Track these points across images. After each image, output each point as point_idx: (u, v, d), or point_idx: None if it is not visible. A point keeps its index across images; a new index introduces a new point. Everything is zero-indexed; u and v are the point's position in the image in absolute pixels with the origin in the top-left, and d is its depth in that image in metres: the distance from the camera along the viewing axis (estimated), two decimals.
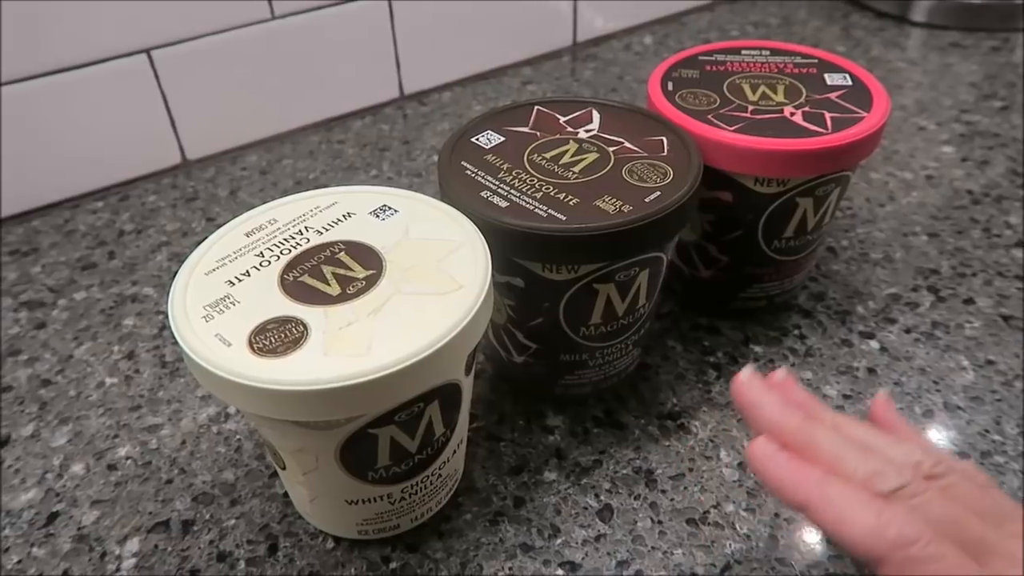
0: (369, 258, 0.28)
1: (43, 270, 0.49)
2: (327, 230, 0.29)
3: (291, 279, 0.27)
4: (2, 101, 0.49)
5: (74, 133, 0.53)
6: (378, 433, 0.26)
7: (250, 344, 0.24)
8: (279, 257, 0.28)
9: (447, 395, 0.28)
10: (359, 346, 0.24)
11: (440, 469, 0.31)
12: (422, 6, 0.62)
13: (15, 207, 0.53)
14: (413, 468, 0.29)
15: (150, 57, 0.53)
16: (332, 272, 0.27)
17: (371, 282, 0.27)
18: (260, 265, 0.28)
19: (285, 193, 0.55)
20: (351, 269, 0.27)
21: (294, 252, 0.28)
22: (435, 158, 0.58)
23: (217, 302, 0.26)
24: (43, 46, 0.49)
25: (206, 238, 0.30)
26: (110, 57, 0.51)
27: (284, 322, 0.25)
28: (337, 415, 0.24)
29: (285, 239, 0.29)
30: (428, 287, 0.26)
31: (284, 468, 0.29)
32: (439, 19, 0.63)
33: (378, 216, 0.30)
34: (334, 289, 0.26)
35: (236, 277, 0.27)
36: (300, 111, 0.61)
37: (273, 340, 0.24)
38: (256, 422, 0.27)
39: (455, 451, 0.31)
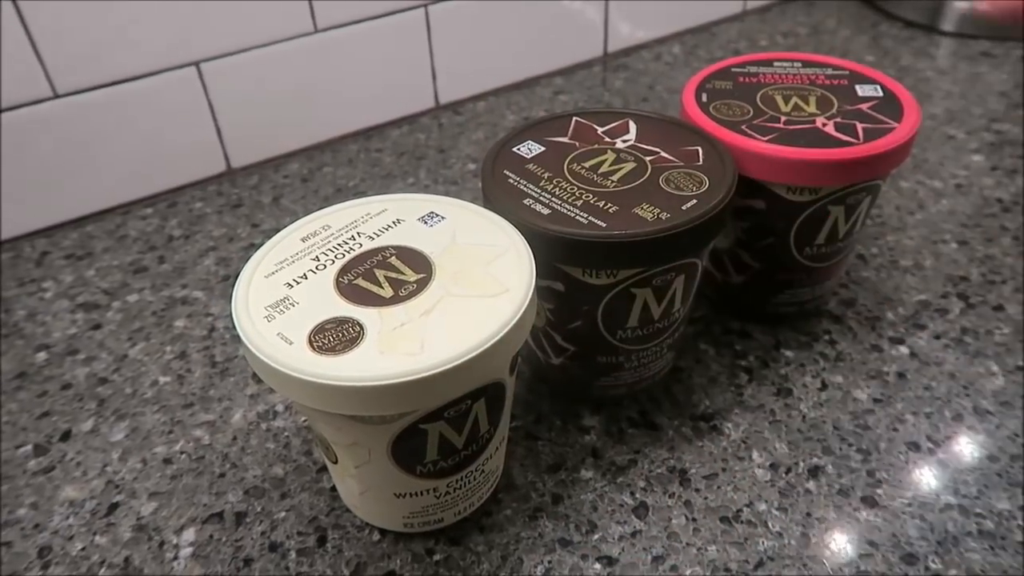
0: (419, 262, 0.29)
1: (97, 273, 0.51)
2: (378, 235, 0.31)
3: (346, 282, 0.28)
4: (60, 113, 0.51)
5: (126, 142, 0.55)
6: (428, 429, 0.28)
7: (310, 343, 0.26)
8: (333, 261, 0.29)
9: (492, 393, 0.29)
10: (413, 345, 0.26)
11: (484, 465, 0.32)
12: (457, 20, 0.63)
13: (70, 213, 0.55)
14: (459, 463, 0.30)
15: (199, 70, 0.55)
16: (384, 276, 0.29)
17: (422, 285, 0.28)
18: (316, 269, 0.29)
19: (326, 200, 0.57)
20: (402, 273, 0.29)
21: (347, 256, 0.30)
22: (470, 166, 0.60)
23: (277, 303, 0.28)
24: (100, 60, 0.51)
25: (253, 243, 0.31)
26: (162, 70, 0.54)
27: (341, 322, 0.27)
28: (391, 410, 0.26)
29: (338, 244, 0.30)
30: (476, 290, 0.28)
31: (336, 462, 0.31)
32: (473, 32, 0.65)
33: (426, 223, 0.31)
34: (387, 291, 0.28)
35: (294, 280, 0.29)
36: (340, 120, 0.63)
37: (332, 339, 0.26)
38: (312, 417, 0.29)
39: (497, 448, 0.33)
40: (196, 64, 0.55)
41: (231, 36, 0.55)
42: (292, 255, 0.30)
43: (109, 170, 0.55)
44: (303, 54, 0.58)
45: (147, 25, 0.52)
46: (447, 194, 0.57)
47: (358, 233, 0.31)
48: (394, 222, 0.32)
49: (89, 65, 0.51)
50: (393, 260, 0.29)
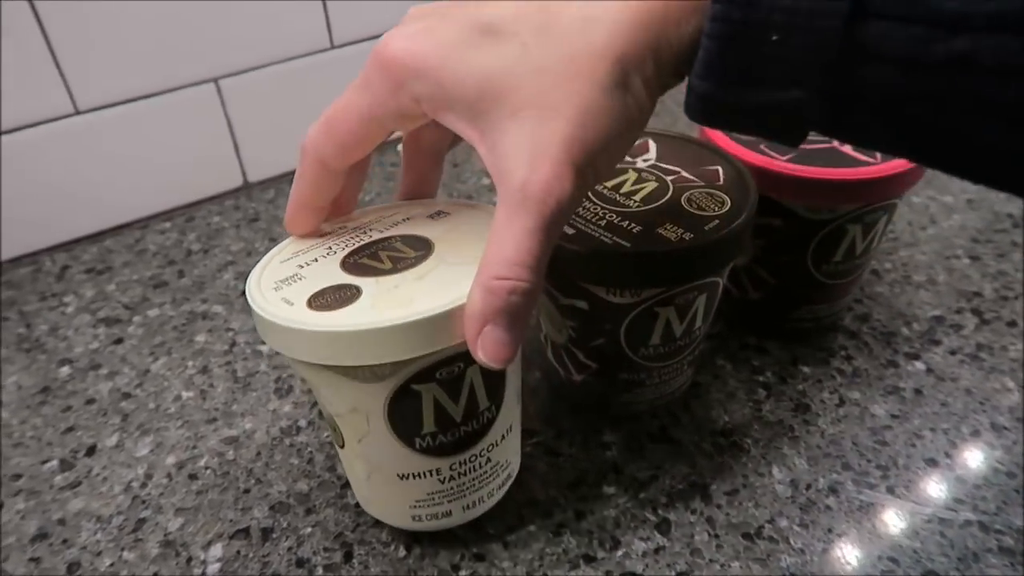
0: (421, 244, 0.31)
1: (118, 288, 0.51)
2: (388, 229, 0.32)
3: (352, 262, 0.30)
4: (81, 129, 0.52)
5: (145, 157, 0.55)
6: (421, 391, 0.28)
7: (309, 304, 0.27)
8: (343, 248, 0.31)
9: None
10: (403, 300, 0.27)
11: (489, 452, 0.32)
12: None
13: (90, 227, 0.56)
14: (460, 441, 0.31)
15: (218, 86, 0.55)
16: (387, 255, 0.30)
17: (420, 259, 0.29)
18: (327, 254, 0.31)
19: None
20: (403, 252, 0.30)
21: (357, 244, 0.31)
22: (484, 180, 0.60)
23: (287, 279, 0.29)
24: (121, 78, 0.52)
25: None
26: (181, 86, 0.54)
27: (340, 288, 0.28)
28: (381, 358, 0.27)
29: (351, 237, 0.32)
30: (471, 258, 0.29)
31: (343, 446, 0.32)
32: None
33: (433, 218, 0.33)
34: (387, 265, 0.29)
35: (305, 263, 0.30)
36: None
37: (329, 300, 0.27)
38: (314, 383, 0.30)
39: (504, 436, 0.33)
40: (215, 80, 0.55)
41: (249, 53, 0.56)
42: (309, 245, 0.32)
43: (128, 185, 0.56)
44: (319, 70, 0.59)
45: (166, 43, 0.52)
46: None
47: (370, 229, 0.32)
48: (404, 219, 0.33)
49: (110, 82, 0.52)
50: (397, 243, 0.31)
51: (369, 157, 0.31)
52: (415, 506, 0.33)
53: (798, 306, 0.43)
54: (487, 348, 0.25)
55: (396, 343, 0.26)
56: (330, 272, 0.29)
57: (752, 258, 0.42)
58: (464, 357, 0.28)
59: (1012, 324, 0.45)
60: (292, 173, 0.62)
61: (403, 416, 0.29)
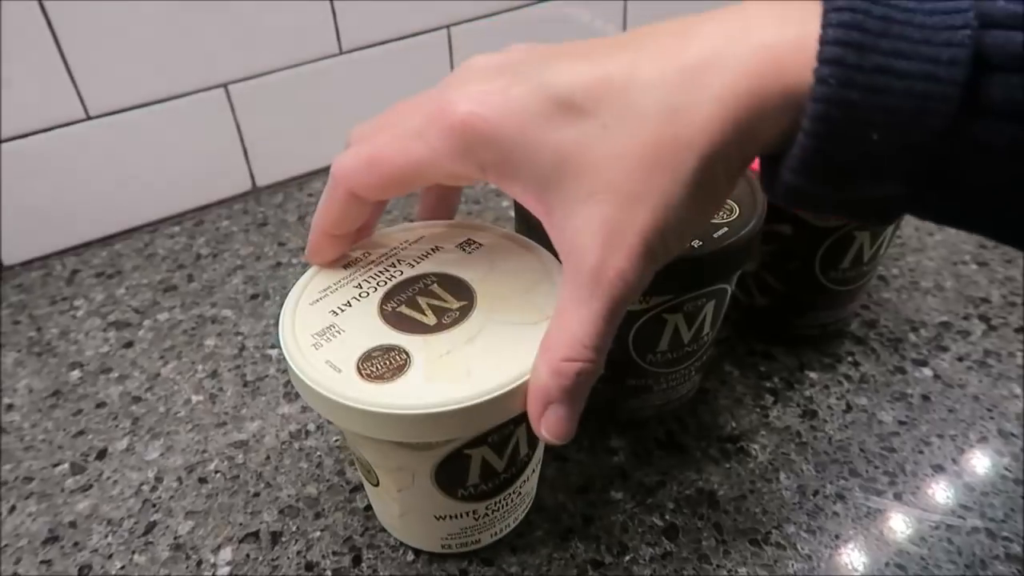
0: (460, 289, 0.30)
1: (127, 291, 0.52)
2: (418, 263, 0.31)
3: (390, 309, 0.29)
4: (93, 134, 0.52)
5: (154, 162, 0.56)
6: (472, 454, 0.28)
7: (358, 371, 0.26)
8: (376, 288, 0.30)
9: None
10: (459, 373, 0.26)
11: (521, 487, 0.33)
12: (481, 43, 0.64)
13: (99, 231, 0.56)
14: (499, 486, 0.31)
15: (227, 91, 0.56)
16: (427, 303, 0.29)
17: (464, 312, 0.29)
18: (360, 296, 0.30)
19: None
20: (444, 300, 0.29)
21: (390, 284, 0.30)
22: (491, 185, 0.60)
23: (324, 331, 0.28)
24: (132, 83, 0.52)
25: (280, 262, 0.32)
26: (191, 91, 0.54)
27: (388, 350, 0.27)
28: (439, 437, 0.26)
29: (380, 271, 0.31)
30: (517, 317, 0.28)
31: (377, 485, 0.31)
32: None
33: (464, 249, 0.32)
34: (431, 319, 0.28)
35: (339, 307, 0.29)
36: None
37: (379, 367, 0.27)
38: (359, 444, 0.29)
39: (534, 470, 0.33)
40: (224, 86, 0.56)
41: (258, 58, 0.56)
42: (335, 282, 0.31)
43: (138, 189, 0.56)
44: (328, 75, 0.59)
45: (176, 49, 0.53)
46: (470, 214, 0.58)
47: (398, 260, 0.32)
48: (432, 249, 0.32)
49: (120, 88, 0.52)
50: (435, 287, 0.30)
51: None
52: (447, 537, 0.33)
53: (805, 312, 0.43)
54: (551, 427, 0.25)
55: (455, 424, 0.26)
56: (371, 325, 0.28)
57: (760, 265, 0.42)
58: (515, 420, 0.28)
59: (1020, 330, 0.45)
60: (301, 177, 0.62)
61: (449, 475, 0.30)
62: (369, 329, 0.28)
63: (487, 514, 0.32)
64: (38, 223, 0.54)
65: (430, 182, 0.27)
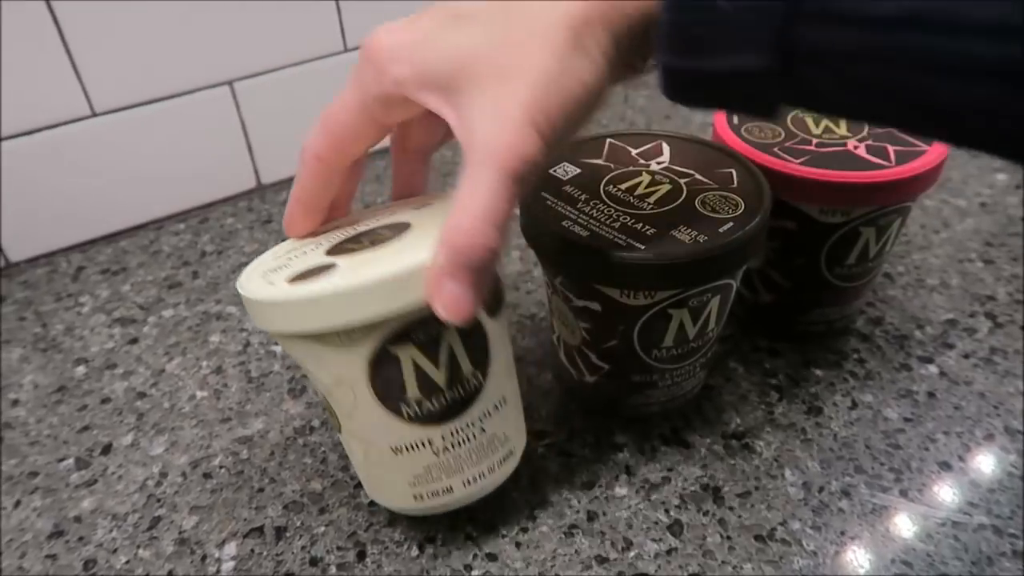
0: (401, 227, 0.31)
1: (132, 288, 0.52)
2: (376, 222, 0.33)
3: (336, 248, 0.31)
4: (98, 131, 0.53)
5: (160, 159, 0.56)
6: (399, 354, 0.29)
7: (288, 282, 0.29)
8: (332, 241, 0.32)
9: (466, 329, 0.30)
10: (373, 268, 0.27)
11: (482, 422, 0.32)
12: None
13: (104, 228, 0.56)
14: (447, 408, 0.31)
15: (232, 88, 0.56)
16: (369, 240, 0.31)
17: (398, 238, 0.30)
18: (315, 247, 0.32)
19: None
20: (384, 235, 0.31)
21: (345, 236, 0.32)
22: None
23: (275, 268, 0.31)
24: (137, 80, 0.52)
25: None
26: (196, 89, 0.55)
27: (319, 268, 0.29)
28: (349, 318, 0.27)
29: (342, 232, 0.33)
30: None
31: (340, 430, 0.32)
32: None
33: (419, 208, 0.33)
34: (366, 246, 0.30)
35: (295, 255, 0.31)
36: None
37: (306, 277, 0.28)
38: (298, 355, 0.31)
39: (497, 407, 0.32)
40: (229, 83, 0.56)
41: (263, 56, 0.56)
42: (304, 243, 0.33)
43: (143, 186, 0.56)
44: (333, 73, 0.59)
45: (182, 47, 0.53)
46: None
47: (360, 223, 0.33)
48: (392, 213, 0.34)
49: (126, 85, 0.52)
50: (381, 231, 0.31)
51: (364, 159, 0.33)
52: (414, 483, 0.32)
53: (811, 309, 0.43)
54: (446, 302, 0.26)
55: (361, 302, 0.27)
56: (314, 258, 0.30)
57: (765, 261, 0.42)
58: (440, 322, 0.29)
59: None
60: None
61: (385, 382, 0.30)
62: (311, 260, 0.30)
63: (447, 448, 0.31)
64: (43, 220, 0.54)
65: (374, 124, 0.30)
